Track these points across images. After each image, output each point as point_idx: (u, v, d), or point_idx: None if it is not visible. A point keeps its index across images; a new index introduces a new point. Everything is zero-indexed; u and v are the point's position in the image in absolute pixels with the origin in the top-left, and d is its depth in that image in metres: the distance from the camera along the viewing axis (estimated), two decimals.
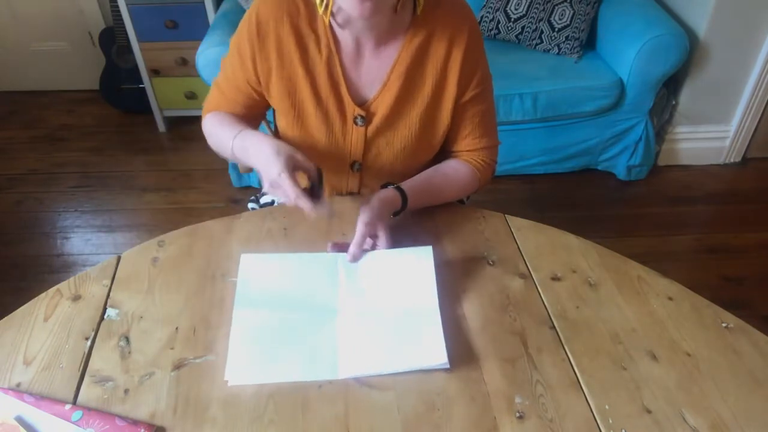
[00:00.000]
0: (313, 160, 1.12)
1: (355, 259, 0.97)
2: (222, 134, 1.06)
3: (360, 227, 0.97)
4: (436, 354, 0.84)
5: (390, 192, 1.04)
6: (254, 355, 0.85)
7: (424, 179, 1.11)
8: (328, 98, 1.06)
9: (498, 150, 1.18)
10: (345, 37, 1.03)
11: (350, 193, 1.18)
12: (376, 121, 1.08)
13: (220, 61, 1.13)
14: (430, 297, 0.92)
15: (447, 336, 0.87)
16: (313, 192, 0.94)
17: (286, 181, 0.89)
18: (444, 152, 1.17)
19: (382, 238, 0.98)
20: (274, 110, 1.18)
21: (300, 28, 1.03)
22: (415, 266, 0.96)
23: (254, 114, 1.15)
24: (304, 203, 0.89)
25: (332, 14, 1.01)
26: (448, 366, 0.83)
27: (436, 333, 0.87)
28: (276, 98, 1.08)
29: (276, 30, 1.02)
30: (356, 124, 1.08)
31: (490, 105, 1.14)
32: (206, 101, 1.16)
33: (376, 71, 1.06)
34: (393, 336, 0.88)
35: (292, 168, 0.91)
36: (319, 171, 0.95)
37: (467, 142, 1.14)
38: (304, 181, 0.93)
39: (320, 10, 1.01)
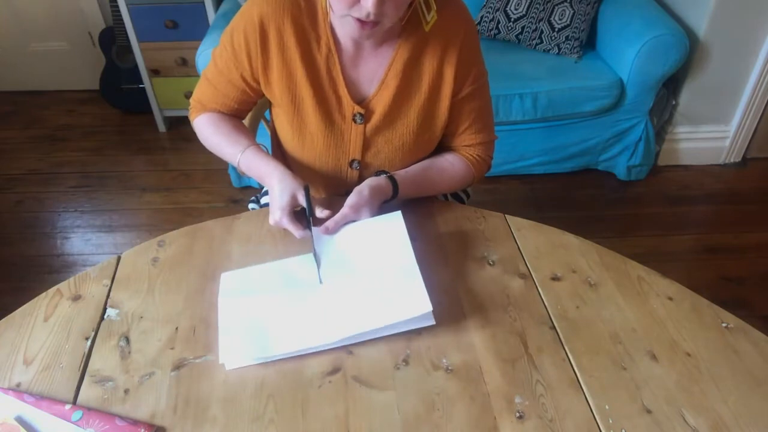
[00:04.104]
0: (312, 158, 1.13)
1: (328, 232, 1.00)
2: (224, 147, 1.12)
3: (344, 209, 1.00)
4: (420, 304, 0.86)
5: (382, 180, 1.05)
6: (245, 335, 0.86)
7: (418, 171, 1.11)
8: (328, 96, 1.07)
9: (494, 145, 1.20)
10: (343, 35, 1.04)
11: (349, 192, 1.18)
12: (375, 118, 1.08)
13: (212, 51, 1.13)
14: (408, 255, 0.94)
15: (447, 336, 0.87)
16: (304, 214, 1.03)
17: (288, 226, 1.00)
18: (441, 146, 1.18)
19: None
20: (271, 109, 1.18)
21: (303, 25, 1.03)
22: (388, 230, 0.99)
23: (246, 108, 1.18)
24: (302, 235, 1.00)
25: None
26: (431, 317, 0.86)
27: (418, 285, 0.89)
28: (277, 96, 1.08)
29: (278, 28, 1.02)
30: (355, 122, 1.08)
31: (487, 101, 1.15)
32: (196, 94, 1.16)
33: (374, 69, 1.07)
34: (376, 294, 0.90)
35: (292, 209, 1.01)
36: (306, 189, 1.02)
37: (464, 138, 1.15)
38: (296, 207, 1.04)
39: (324, 3, 1.02)
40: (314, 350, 0.85)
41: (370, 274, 0.93)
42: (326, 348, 0.85)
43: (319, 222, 1.01)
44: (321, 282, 0.94)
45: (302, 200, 1.01)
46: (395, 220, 0.99)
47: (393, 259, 0.94)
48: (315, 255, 0.98)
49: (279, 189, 1.01)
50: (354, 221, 1.02)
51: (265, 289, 0.94)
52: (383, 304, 0.88)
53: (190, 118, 1.19)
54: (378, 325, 0.85)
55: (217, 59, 1.11)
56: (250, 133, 1.18)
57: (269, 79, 1.07)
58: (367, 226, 1.00)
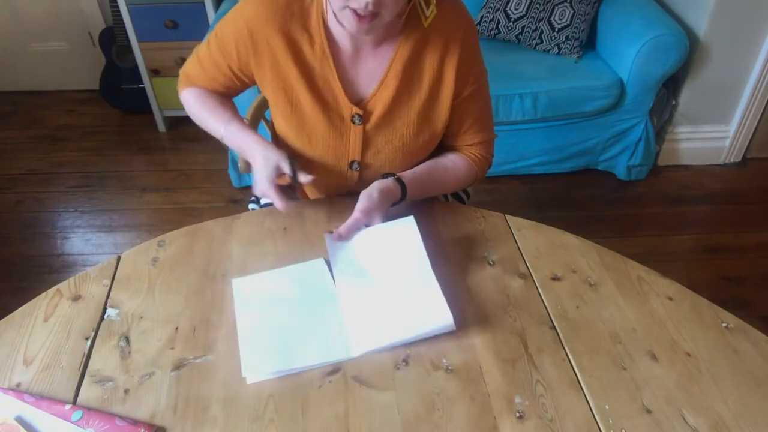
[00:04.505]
0: (311, 161, 1.12)
1: (341, 238, 0.99)
2: (209, 120, 1.14)
3: (356, 214, 0.99)
4: (441, 316, 0.86)
5: (390, 183, 1.04)
6: (266, 349, 0.85)
7: (424, 171, 1.11)
8: (325, 98, 1.06)
9: (494, 143, 1.20)
10: (341, 36, 1.03)
11: (349, 193, 1.18)
12: (374, 119, 1.08)
13: (208, 33, 1.14)
14: (423, 263, 0.94)
15: (447, 336, 0.87)
16: (291, 186, 1.05)
17: (273, 196, 1.00)
18: (441, 146, 1.18)
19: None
20: (270, 109, 1.18)
21: (290, 30, 1.03)
22: (402, 237, 0.98)
23: (232, 93, 1.18)
24: (284, 206, 1.00)
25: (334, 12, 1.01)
26: (453, 327, 0.86)
27: (437, 295, 0.89)
28: (272, 98, 1.08)
29: (267, 32, 1.02)
30: (354, 123, 1.08)
31: (487, 100, 1.15)
32: (186, 67, 1.17)
33: (373, 69, 1.06)
34: (396, 307, 0.90)
35: (277, 176, 1.01)
36: (292, 164, 1.02)
37: (465, 137, 1.15)
38: (284, 180, 1.04)
39: (322, 4, 1.01)
40: (335, 362, 0.84)
41: (387, 283, 0.93)
42: (346, 360, 0.85)
43: (326, 224, 1.01)
44: (336, 290, 0.93)
45: (286, 168, 1.01)
46: (409, 225, 0.99)
47: (409, 267, 0.94)
48: (329, 262, 0.97)
49: (263, 159, 1.02)
50: (366, 225, 1.01)
51: (281, 298, 0.93)
52: (404, 316, 0.88)
53: (178, 89, 1.20)
54: (400, 339, 0.85)
55: (210, 43, 1.11)
56: (235, 108, 1.18)
57: (264, 80, 1.07)
58: (381, 232, 0.99)
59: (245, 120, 1.25)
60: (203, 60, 1.13)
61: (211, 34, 1.11)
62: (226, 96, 1.18)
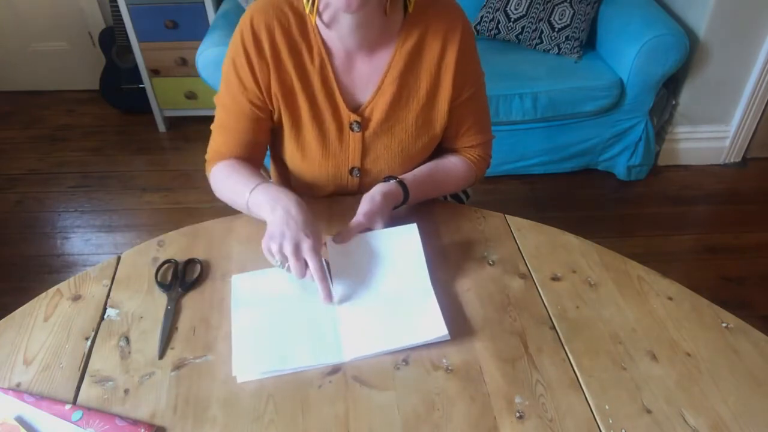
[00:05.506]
0: (311, 168, 1.12)
1: (341, 241, 0.97)
2: (236, 188, 1.03)
3: (358, 218, 0.98)
4: (436, 327, 0.87)
5: (392, 186, 1.04)
6: (259, 349, 0.85)
7: (425, 173, 1.11)
8: (323, 106, 1.06)
9: (492, 144, 1.21)
10: (335, 44, 1.03)
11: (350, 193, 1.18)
12: (372, 126, 1.07)
13: (215, 99, 1.09)
14: (422, 272, 0.94)
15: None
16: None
17: (310, 253, 0.89)
18: (440, 148, 1.18)
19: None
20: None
21: (292, 36, 1.02)
22: (403, 244, 0.97)
23: (263, 138, 1.11)
24: (324, 286, 0.89)
25: (319, 14, 1.00)
26: (448, 337, 0.86)
27: (433, 307, 0.89)
28: (275, 103, 1.07)
29: (270, 37, 1.01)
30: (352, 130, 1.07)
31: (485, 102, 1.15)
32: (209, 147, 1.12)
33: (369, 77, 1.05)
34: (392, 314, 0.90)
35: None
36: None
37: (464, 140, 1.15)
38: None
39: (307, 9, 1.00)
40: (326, 365, 0.84)
41: (384, 290, 0.93)
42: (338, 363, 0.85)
43: (327, 225, 1.01)
44: (333, 294, 0.92)
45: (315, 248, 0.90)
46: (411, 233, 0.98)
47: (407, 276, 0.94)
48: (328, 265, 0.96)
49: (297, 207, 0.92)
50: (368, 229, 1.00)
51: (279, 297, 0.93)
52: (399, 325, 0.88)
53: (207, 174, 1.14)
54: (394, 347, 0.85)
55: (221, 97, 1.07)
56: (264, 178, 1.07)
57: (269, 84, 1.05)
58: (383, 239, 0.99)
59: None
60: (221, 120, 1.08)
61: (218, 94, 1.08)
62: (259, 154, 1.12)
